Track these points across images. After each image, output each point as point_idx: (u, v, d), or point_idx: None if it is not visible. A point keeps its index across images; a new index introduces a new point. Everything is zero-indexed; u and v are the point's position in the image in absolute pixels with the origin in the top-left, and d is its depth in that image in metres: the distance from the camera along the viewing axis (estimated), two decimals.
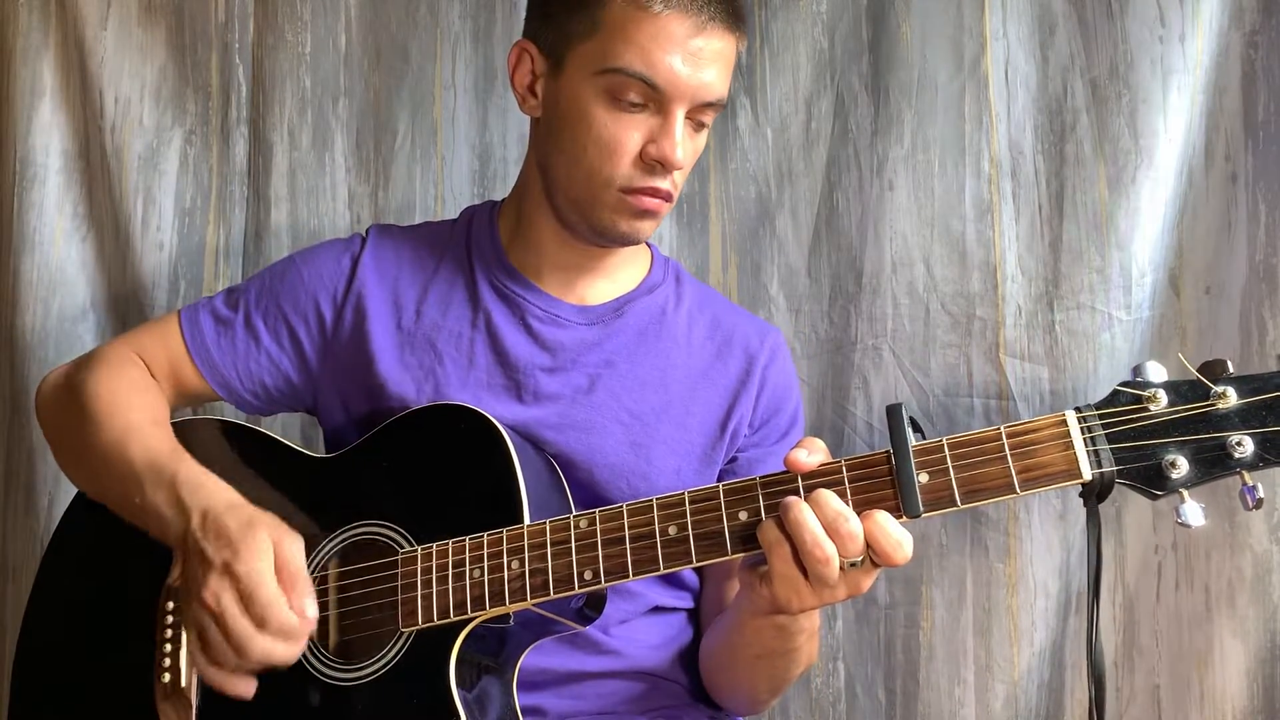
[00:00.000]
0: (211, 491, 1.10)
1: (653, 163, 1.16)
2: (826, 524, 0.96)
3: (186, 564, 1.08)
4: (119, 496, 1.16)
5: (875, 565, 0.98)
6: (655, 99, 1.15)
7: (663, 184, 1.18)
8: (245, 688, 1.06)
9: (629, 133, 1.16)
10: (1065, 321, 1.58)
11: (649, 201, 1.18)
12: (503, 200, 1.35)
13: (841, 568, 0.97)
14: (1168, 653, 1.53)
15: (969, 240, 1.61)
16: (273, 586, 1.03)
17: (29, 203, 1.78)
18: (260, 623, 1.03)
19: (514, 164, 1.75)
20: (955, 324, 1.61)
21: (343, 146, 1.78)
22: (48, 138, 1.79)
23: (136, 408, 1.23)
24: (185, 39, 1.81)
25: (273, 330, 1.29)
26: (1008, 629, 1.57)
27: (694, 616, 1.33)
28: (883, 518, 0.96)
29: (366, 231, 1.35)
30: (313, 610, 1.05)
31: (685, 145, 1.17)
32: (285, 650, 1.04)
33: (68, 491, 1.32)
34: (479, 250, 1.31)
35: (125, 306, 1.78)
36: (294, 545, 1.07)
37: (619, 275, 1.32)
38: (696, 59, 1.14)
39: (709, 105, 1.18)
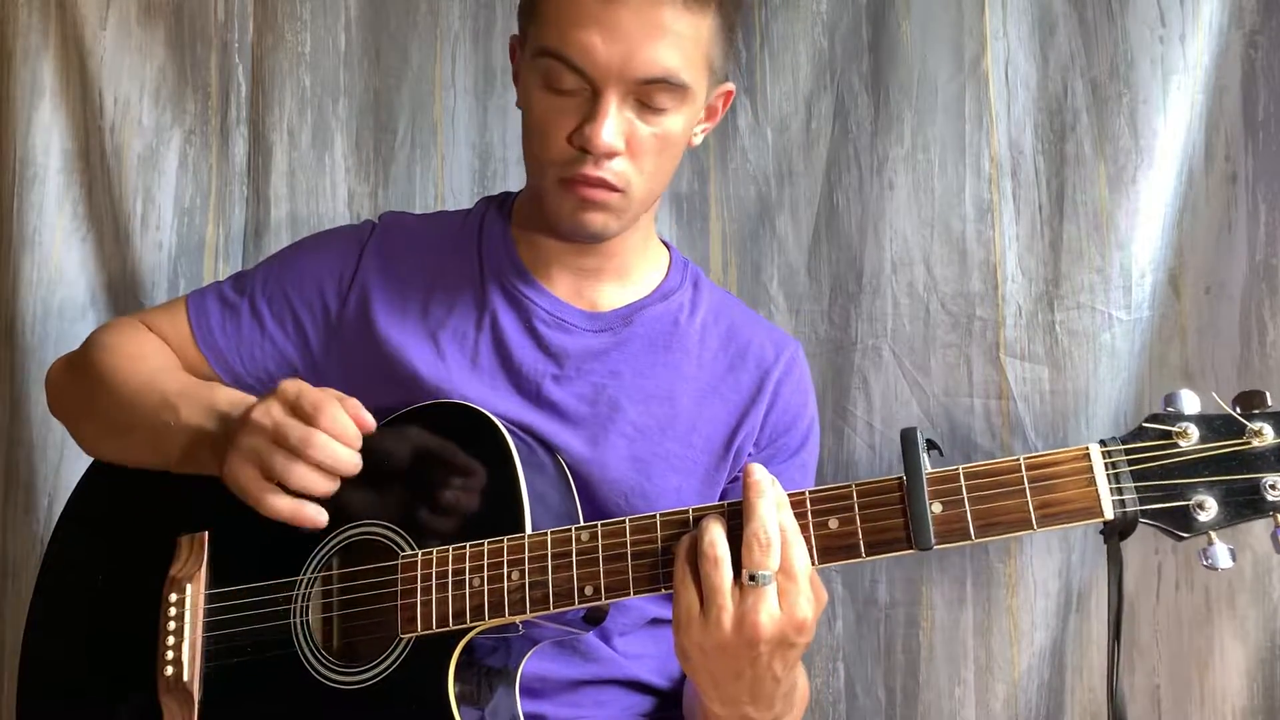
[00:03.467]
0: (253, 400, 1.12)
1: (579, 148, 1.11)
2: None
3: (223, 441, 1.09)
4: (151, 429, 1.16)
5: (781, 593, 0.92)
6: (586, 80, 1.09)
7: (593, 171, 1.11)
8: (318, 515, 1.06)
9: (560, 116, 1.11)
10: (1065, 321, 1.58)
11: (584, 190, 1.12)
12: (518, 193, 1.32)
13: (739, 580, 0.92)
14: (1168, 653, 1.53)
15: (969, 240, 1.61)
16: (317, 391, 1.05)
17: (29, 202, 1.78)
18: (312, 418, 1.04)
19: (514, 164, 1.74)
20: (955, 324, 1.61)
21: (343, 146, 1.78)
22: (48, 137, 1.79)
23: (154, 358, 1.24)
24: (185, 38, 1.80)
25: (278, 317, 1.27)
26: (1008, 629, 1.57)
27: None
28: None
29: (379, 218, 1.32)
30: (367, 418, 1.07)
31: (614, 128, 1.09)
32: (346, 453, 1.05)
33: (67, 492, 1.31)
34: (489, 246, 1.27)
35: (125, 306, 1.78)
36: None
37: (631, 279, 1.27)
38: (614, 32, 1.06)
39: (650, 83, 1.09)
